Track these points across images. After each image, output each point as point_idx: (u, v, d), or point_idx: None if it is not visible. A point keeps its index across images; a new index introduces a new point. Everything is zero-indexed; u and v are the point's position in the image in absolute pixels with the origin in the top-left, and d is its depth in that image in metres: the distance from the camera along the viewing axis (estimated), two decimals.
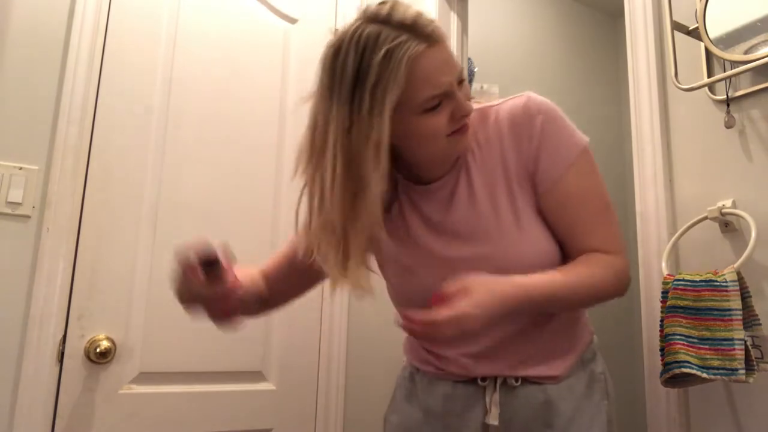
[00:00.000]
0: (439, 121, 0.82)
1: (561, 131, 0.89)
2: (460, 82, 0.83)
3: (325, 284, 1.58)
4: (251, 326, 1.45)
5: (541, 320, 0.92)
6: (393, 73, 0.76)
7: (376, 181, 0.80)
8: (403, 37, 0.77)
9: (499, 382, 0.91)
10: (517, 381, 0.91)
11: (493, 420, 0.89)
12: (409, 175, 0.93)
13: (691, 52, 1.24)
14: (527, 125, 0.88)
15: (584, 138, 0.91)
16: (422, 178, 0.92)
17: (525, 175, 0.88)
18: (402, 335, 0.91)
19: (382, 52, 0.76)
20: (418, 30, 0.78)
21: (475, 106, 0.91)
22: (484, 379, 0.92)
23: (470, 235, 0.89)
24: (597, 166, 0.93)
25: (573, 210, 0.89)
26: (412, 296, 0.91)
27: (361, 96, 0.77)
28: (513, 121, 0.90)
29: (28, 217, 1.26)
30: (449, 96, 0.81)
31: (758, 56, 1.07)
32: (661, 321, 1.12)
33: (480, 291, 0.75)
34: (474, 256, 0.87)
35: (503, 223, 0.88)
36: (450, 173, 0.91)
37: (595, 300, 0.93)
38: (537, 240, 0.88)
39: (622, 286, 0.93)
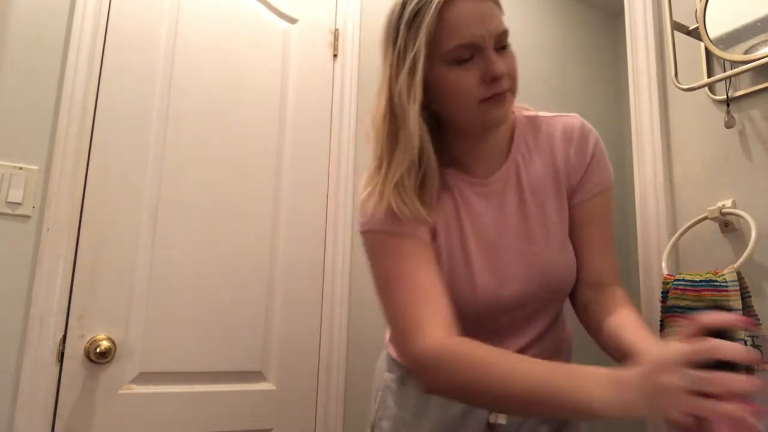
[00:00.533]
0: (469, 78, 0.81)
1: (606, 157, 0.95)
2: (503, 47, 0.84)
3: (325, 284, 1.59)
4: (251, 326, 1.46)
5: (551, 323, 0.94)
6: (425, 13, 0.79)
7: (413, 115, 0.81)
8: None
9: None
10: None
11: (502, 419, 0.89)
12: (460, 167, 0.93)
13: (691, 52, 1.24)
14: (584, 141, 0.93)
15: None
16: (472, 169, 0.92)
17: (567, 183, 0.92)
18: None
19: None
20: None
21: (525, 113, 0.96)
22: None
23: (519, 234, 0.90)
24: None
25: (597, 227, 0.92)
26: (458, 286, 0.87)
27: (400, 34, 0.82)
28: (568, 134, 0.93)
29: (28, 217, 1.26)
30: (480, 51, 0.80)
31: (758, 56, 1.07)
32: (661, 321, 1.12)
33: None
34: (523, 252, 0.89)
35: (550, 227, 0.91)
36: (500, 171, 0.92)
37: None
38: (570, 248, 0.92)
39: None
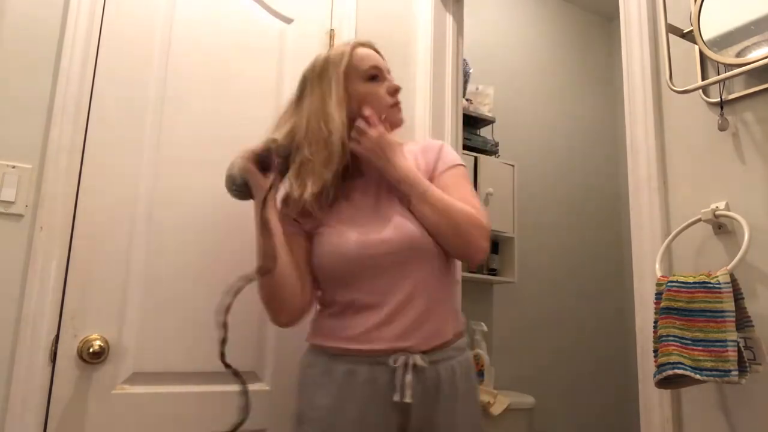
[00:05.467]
0: (380, 89, 1.25)
1: (452, 151, 1.32)
2: (388, 72, 1.29)
3: None
4: (245, 326, 1.45)
5: (434, 303, 1.16)
6: (344, 55, 1.26)
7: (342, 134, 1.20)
8: (351, 43, 1.31)
9: (411, 362, 1.10)
10: (424, 360, 1.11)
11: (407, 398, 1.08)
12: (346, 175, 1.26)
13: (686, 55, 1.25)
14: (436, 147, 1.33)
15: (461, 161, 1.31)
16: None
17: (428, 174, 1.27)
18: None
19: (339, 50, 1.29)
20: (358, 41, 1.32)
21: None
22: (396, 360, 1.10)
23: (387, 205, 1.23)
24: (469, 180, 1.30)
25: (453, 189, 1.22)
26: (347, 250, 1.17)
27: (328, 73, 1.26)
28: (424, 148, 1.34)
29: (21, 215, 1.25)
30: (381, 73, 1.27)
31: (751, 59, 1.07)
32: (655, 322, 1.12)
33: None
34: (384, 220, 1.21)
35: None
36: (370, 177, 1.27)
37: (453, 223, 1.15)
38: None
39: (480, 230, 1.16)
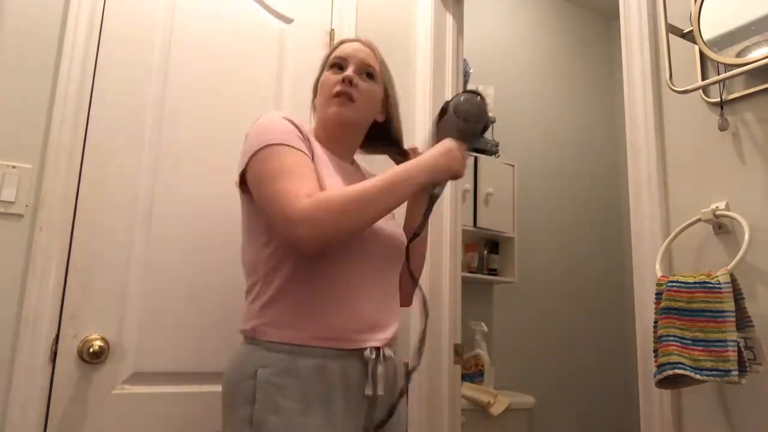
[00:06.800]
0: (333, 78, 1.17)
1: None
2: (368, 76, 1.19)
3: None
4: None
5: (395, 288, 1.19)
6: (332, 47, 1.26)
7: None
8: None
9: (382, 353, 1.07)
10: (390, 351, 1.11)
11: (380, 390, 1.06)
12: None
13: (686, 55, 1.25)
14: None
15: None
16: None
17: None
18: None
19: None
20: (358, 37, 1.31)
21: None
22: (369, 350, 1.06)
23: None
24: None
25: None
26: None
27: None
28: None
29: (21, 215, 1.25)
30: (346, 65, 1.18)
31: (751, 59, 1.07)
32: (655, 322, 1.12)
33: None
34: None
35: None
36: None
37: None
38: None
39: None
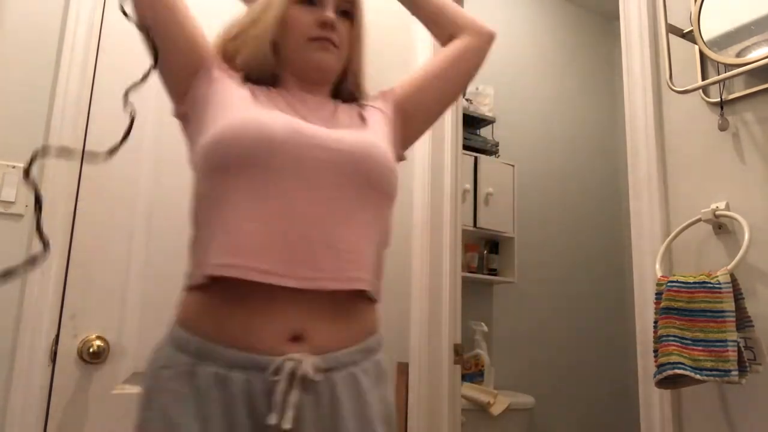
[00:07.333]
0: (306, 16, 0.95)
1: None
2: (345, 14, 1.00)
3: None
4: None
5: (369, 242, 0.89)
6: None
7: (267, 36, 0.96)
8: None
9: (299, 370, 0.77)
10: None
11: (287, 424, 0.74)
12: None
13: (686, 55, 1.25)
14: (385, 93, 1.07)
15: None
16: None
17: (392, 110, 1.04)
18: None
19: None
20: None
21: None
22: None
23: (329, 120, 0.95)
24: None
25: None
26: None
27: None
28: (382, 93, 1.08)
29: (21, 215, 1.25)
30: (321, 1, 0.96)
31: (752, 59, 1.07)
32: (655, 322, 1.12)
33: None
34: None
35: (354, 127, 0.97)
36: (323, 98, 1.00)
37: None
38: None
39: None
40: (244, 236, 0.79)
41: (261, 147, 0.81)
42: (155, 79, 1.44)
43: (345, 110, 0.99)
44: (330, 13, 0.95)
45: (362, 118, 0.98)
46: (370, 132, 0.95)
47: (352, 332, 0.85)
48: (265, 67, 0.96)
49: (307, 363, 0.76)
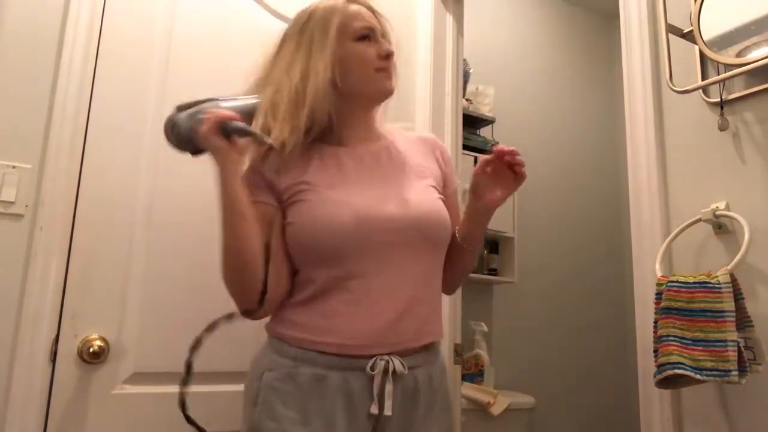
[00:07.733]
0: (370, 51, 1.10)
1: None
2: (383, 36, 1.14)
3: None
4: (246, 326, 1.45)
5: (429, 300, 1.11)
6: (335, 8, 1.11)
7: (325, 88, 1.07)
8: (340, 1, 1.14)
9: (391, 367, 1.00)
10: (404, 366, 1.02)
11: (388, 411, 0.98)
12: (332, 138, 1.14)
13: (686, 55, 1.25)
14: (436, 144, 1.25)
15: None
16: (346, 142, 1.14)
17: (433, 171, 1.18)
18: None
19: (329, 5, 1.13)
20: None
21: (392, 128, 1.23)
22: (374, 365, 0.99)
23: (387, 179, 1.11)
24: None
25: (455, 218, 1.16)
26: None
27: (312, 26, 1.12)
28: (423, 138, 1.26)
29: (22, 215, 1.25)
30: (374, 34, 1.12)
31: (752, 59, 1.07)
32: (655, 322, 1.12)
33: None
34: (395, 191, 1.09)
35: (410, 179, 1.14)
36: (375, 144, 1.16)
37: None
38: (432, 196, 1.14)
39: None
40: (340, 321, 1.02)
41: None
42: (155, 79, 1.45)
43: (387, 155, 1.15)
44: (387, 45, 1.12)
45: (405, 165, 1.14)
46: (424, 187, 1.12)
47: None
48: (325, 107, 1.07)
49: (396, 361, 0.99)
